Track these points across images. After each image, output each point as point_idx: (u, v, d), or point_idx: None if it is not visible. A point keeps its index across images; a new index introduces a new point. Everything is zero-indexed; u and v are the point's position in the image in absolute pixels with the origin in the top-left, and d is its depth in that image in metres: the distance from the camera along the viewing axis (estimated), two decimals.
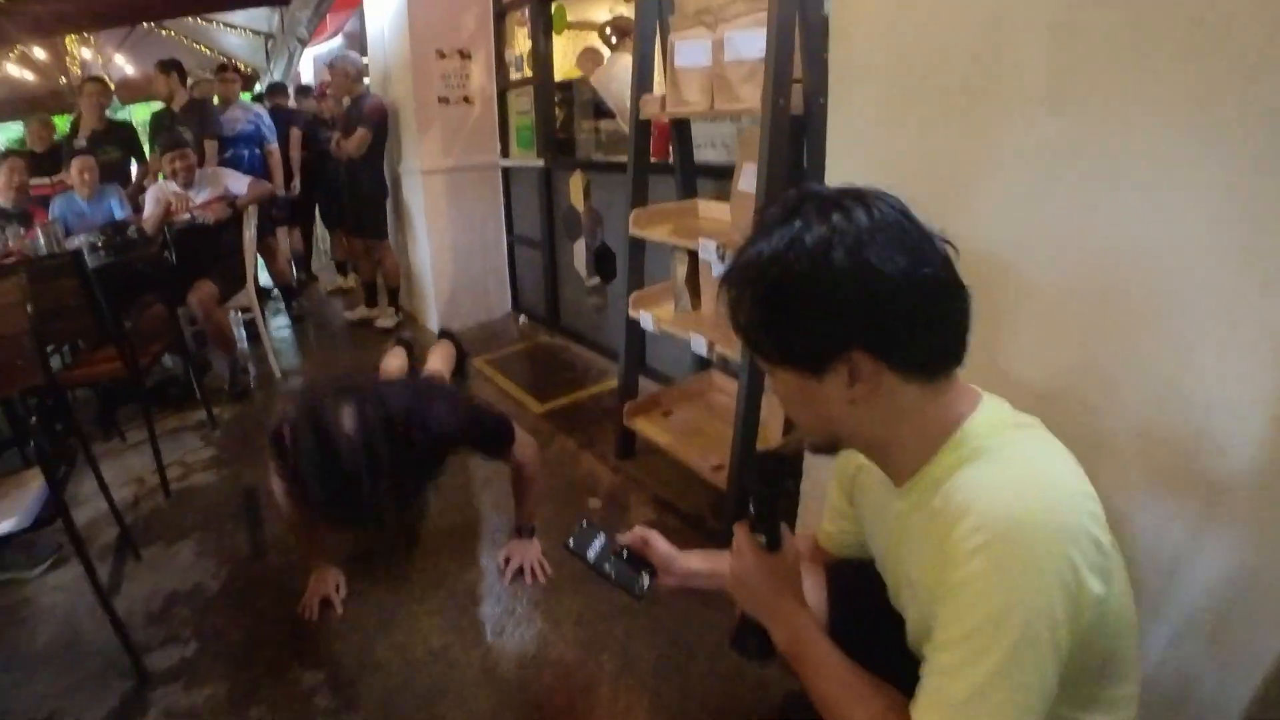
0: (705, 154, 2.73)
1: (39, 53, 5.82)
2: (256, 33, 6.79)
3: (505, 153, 4.35)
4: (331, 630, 1.87)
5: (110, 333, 2.64)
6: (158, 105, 4.89)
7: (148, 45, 6.08)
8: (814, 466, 1.72)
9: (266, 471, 1.97)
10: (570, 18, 4.88)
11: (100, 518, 2.31)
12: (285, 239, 5.11)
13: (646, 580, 1.21)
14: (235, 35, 6.72)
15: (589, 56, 4.18)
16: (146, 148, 4.63)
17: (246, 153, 4.51)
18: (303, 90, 5.91)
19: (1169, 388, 1.06)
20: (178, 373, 3.73)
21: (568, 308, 4.05)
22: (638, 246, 2.48)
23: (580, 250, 3.63)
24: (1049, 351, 1.23)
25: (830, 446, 0.91)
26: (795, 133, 1.88)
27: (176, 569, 2.19)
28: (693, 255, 2.43)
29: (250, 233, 3.72)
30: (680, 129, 2.53)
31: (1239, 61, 0.92)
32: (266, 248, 4.55)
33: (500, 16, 4.16)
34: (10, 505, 1.75)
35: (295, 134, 4.98)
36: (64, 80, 6.03)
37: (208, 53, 6.53)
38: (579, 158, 3.80)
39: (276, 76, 7.16)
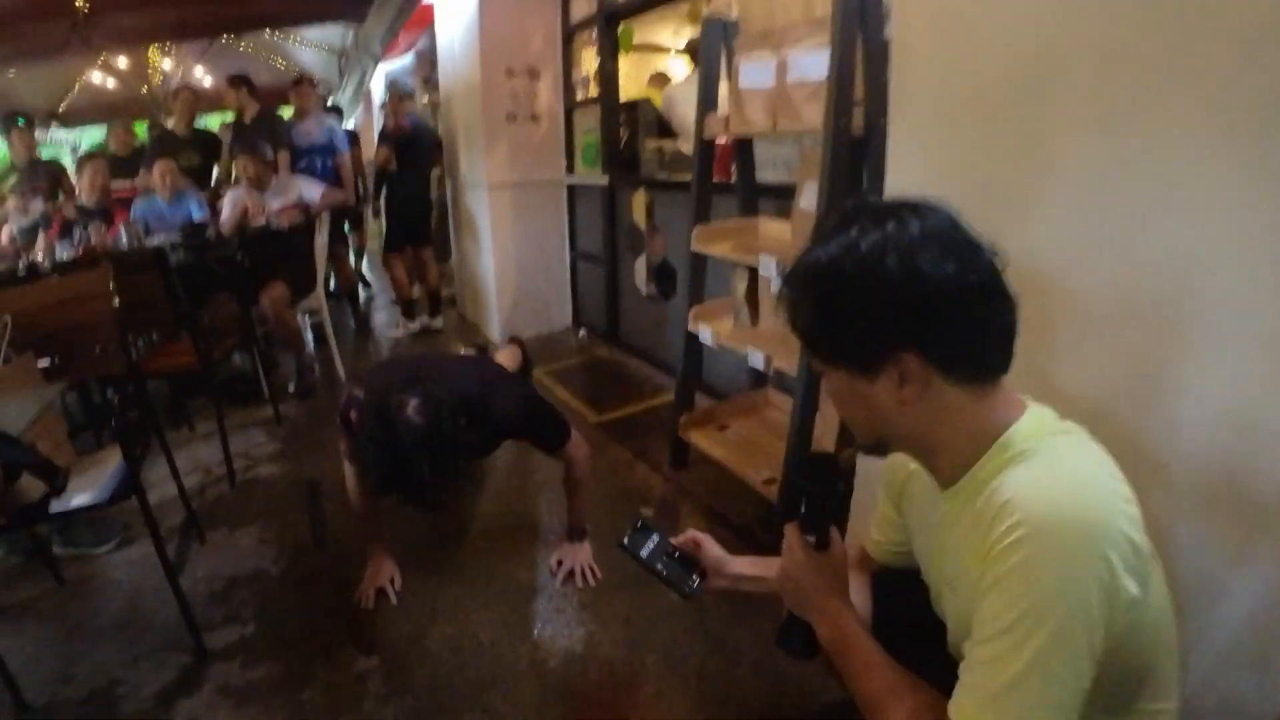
0: (766, 174, 2.73)
1: (122, 62, 6.15)
2: (330, 49, 7.09)
3: (570, 169, 4.43)
4: (385, 619, 1.89)
5: (186, 326, 2.76)
6: (230, 117, 5.14)
7: (226, 58, 6.36)
8: (864, 480, 1.70)
9: (336, 458, 2.03)
10: (636, 39, 5.00)
11: (166, 502, 2.39)
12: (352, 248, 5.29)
13: (697, 581, 1.22)
14: (310, 50, 7.00)
15: (658, 81, 4.25)
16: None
17: (319, 162, 4.68)
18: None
19: (1217, 407, 1.05)
20: (247, 370, 3.86)
21: (627, 322, 4.07)
22: (699, 262, 2.49)
23: (641, 266, 3.66)
24: (1098, 366, 1.22)
25: (880, 447, 0.92)
26: (855, 152, 1.88)
27: (239, 554, 2.26)
28: (753, 272, 2.43)
29: (322, 239, 3.86)
30: (743, 149, 2.54)
31: None
32: (335, 255, 4.71)
33: (568, 38, 4.26)
34: (89, 480, 1.84)
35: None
36: (145, 90, 6.36)
37: (282, 67, 6.81)
38: (642, 176, 3.84)
39: (349, 92, 7.46)
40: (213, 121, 6.16)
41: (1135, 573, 0.70)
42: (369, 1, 5.41)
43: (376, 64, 7.03)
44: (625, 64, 4.03)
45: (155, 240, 3.53)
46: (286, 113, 4.78)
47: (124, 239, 3.33)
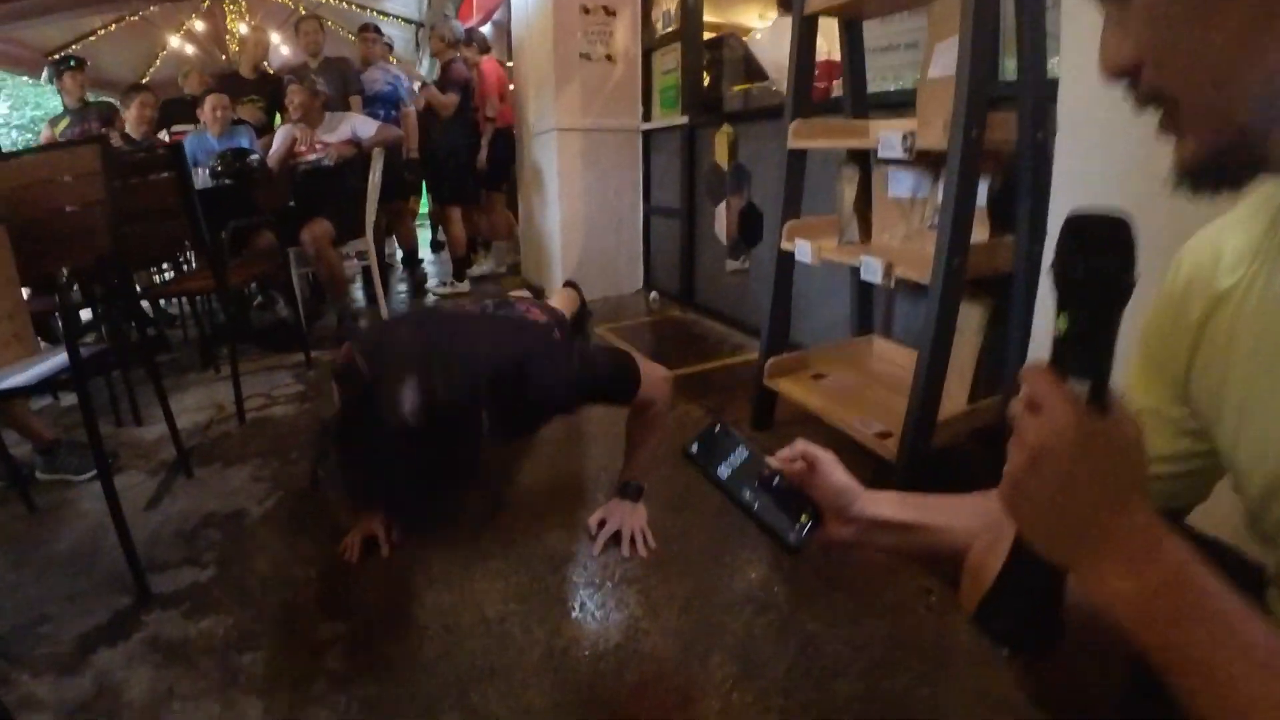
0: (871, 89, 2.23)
1: (199, 25, 6.13)
2: (408, 20, 6.93)
3: (647, 116, 4.00)
4: (368, 577, 1.46)
5: (205, 244, 2.45)
6: None
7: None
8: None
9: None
10: None
11: (168, 437, 2.05)
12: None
13: (806, 524, 0.75)
14: (387, 24, 6.85)
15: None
16: None
17: (383, 112, 4.41)
18: None
19: None
20: (289, 319, 3.60)
21: (703, 281, 3.60)
22: (796, 165, 1.98)
23: (722, 213, 3.25)
24: None
25: (1223, 141, 0.44)
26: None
27: (224, 491, 1.89)
28: (864, 179, 1.93)
29: (375, 177, 3.54)
30: (852, 37, 2.02)
31: None
32: (394, 211, 4.43)
33: None
34: (29, 367, 1.51)
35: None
36: (224, 58, 6.32)
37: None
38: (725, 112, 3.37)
39: (425, 64, 7.30)
40: None
41: None
42: None
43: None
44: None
45: (201, 174, 3.30)
46: None
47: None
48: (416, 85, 4.59)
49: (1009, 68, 1.86)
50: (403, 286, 4.74)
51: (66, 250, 1.87)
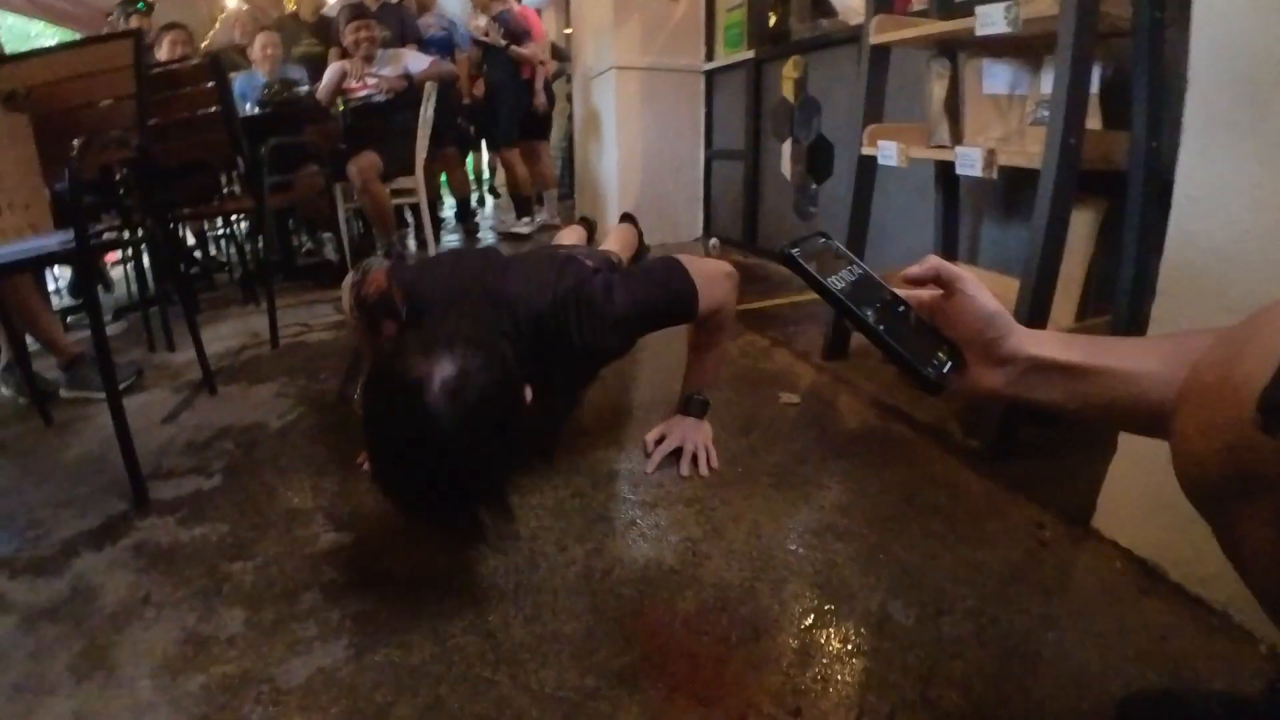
0: None
1: None
2: None
3: (710, 57, 3.72)
4: None
5: (243, 155, 2.32)
6: None
7: None
8: None
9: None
10: None
11: (194, 361, 1.93)
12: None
13: (946, 361, 0.55)
14: None
15: None
16: None
17: (437, 59, 4.28)
18: None
19: None
20: (334, 259, 3.49)
21: (767, 225, 3.32)
22: (879, 63, 1.72)
23: (788, 149, 2.96)
24: None
25: None
26: None
27: (245, 406, 1.74)
28: (955, 72, 1.66)
29: (427, 113, 3.38)
30: None
31: None
32: (447, 159, 4.28)
33: None
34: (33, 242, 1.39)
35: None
36: (276, 16, 6.27)
37: None
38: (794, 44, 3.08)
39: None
40: None
41: None
42: None
43: None
44: None
45: (249, 109, 3.20)
46: None
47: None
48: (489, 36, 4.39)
49: None
50: (454, 237, 4.59)
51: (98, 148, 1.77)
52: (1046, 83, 1.44)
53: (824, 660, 0.83)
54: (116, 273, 3.63)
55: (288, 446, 1.48)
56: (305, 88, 3.17)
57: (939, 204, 1.86)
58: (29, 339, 1.91)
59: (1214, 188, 0.88)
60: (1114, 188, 1.34)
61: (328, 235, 3.73)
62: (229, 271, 3.74)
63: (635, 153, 3.75)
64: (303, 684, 0.82)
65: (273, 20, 4.53)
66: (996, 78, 1.65)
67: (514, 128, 4.26)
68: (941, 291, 0.56)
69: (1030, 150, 1.32)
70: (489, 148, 5.01)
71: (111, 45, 1.85)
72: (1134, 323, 1.27)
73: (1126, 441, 1.00)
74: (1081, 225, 1.45)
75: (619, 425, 1.48)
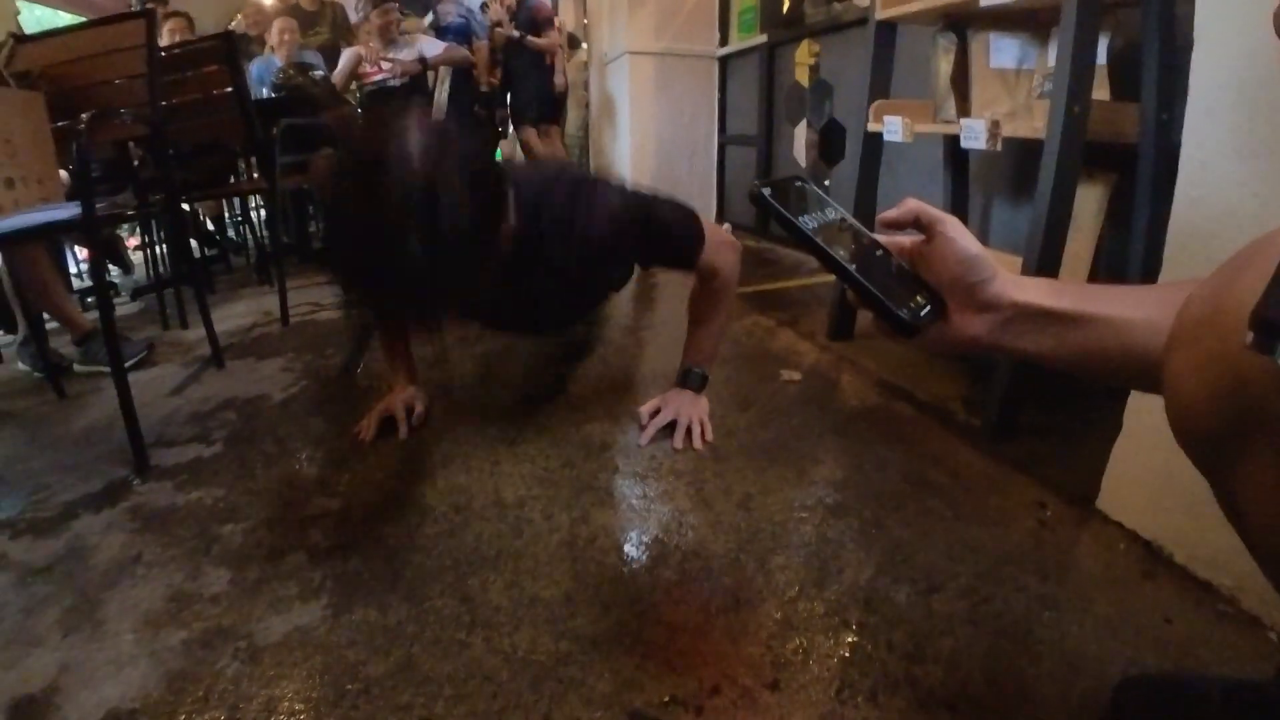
0: None
1: None
2: None
3: (724, 42, 3.68)
4: (380, 457, 1.28)
5: (255, 135, 2.33)
6: None
7: None
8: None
9: None
10: None
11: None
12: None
13: (925, 305, 0.52)
14: None
15: None
16: None
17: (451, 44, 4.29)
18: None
19: None
20: None
21: None
22: (885, 39, 1.69)
23: (801, 133, 2.93)
24: None
25: None
26: None
27: (251, 379, 1.76)
28: (962, 49, 1.62)
29: (441, 96, 3.40)
30: None
31: None
32: None
33: None
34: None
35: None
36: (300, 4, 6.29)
37: None
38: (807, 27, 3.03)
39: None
40: None
41: None
42: None
43: None
44: None
45: (265, 94, 3.23)
46: None
47: None
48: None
49: None
50: None
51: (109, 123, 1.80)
52: (1054, 56, 1.40)
53: (806, 633, 0.82)
54: (137, 257, 3.70)
55: (288, 417, 1.49)
56: (320, 72, 3.19)
57: (948, 185, 1.82)
58: (45, 315, 1.96)
59: (1221, 151, 0.84)
60: (1124, 162, 1.29)
61: None
62: (246, 256, 3.79)
63: (649, 138, 3.73)
64: (279, 641, 0.83)
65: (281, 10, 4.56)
66: (1004, 52, 1.60)
67: (533, 106, 4.26)
68: (923, 237, 0.54)
69: (1036, 124, 1.28)
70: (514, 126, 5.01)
71: (124, 25, 1.87)
72: None
73: (1133, 421, 0.97)
74: (1090, 201, 1.40)
75: (614, 399, 1.47)
